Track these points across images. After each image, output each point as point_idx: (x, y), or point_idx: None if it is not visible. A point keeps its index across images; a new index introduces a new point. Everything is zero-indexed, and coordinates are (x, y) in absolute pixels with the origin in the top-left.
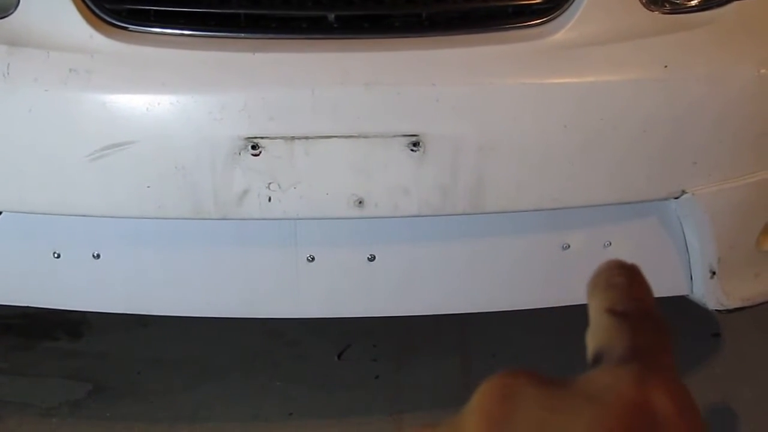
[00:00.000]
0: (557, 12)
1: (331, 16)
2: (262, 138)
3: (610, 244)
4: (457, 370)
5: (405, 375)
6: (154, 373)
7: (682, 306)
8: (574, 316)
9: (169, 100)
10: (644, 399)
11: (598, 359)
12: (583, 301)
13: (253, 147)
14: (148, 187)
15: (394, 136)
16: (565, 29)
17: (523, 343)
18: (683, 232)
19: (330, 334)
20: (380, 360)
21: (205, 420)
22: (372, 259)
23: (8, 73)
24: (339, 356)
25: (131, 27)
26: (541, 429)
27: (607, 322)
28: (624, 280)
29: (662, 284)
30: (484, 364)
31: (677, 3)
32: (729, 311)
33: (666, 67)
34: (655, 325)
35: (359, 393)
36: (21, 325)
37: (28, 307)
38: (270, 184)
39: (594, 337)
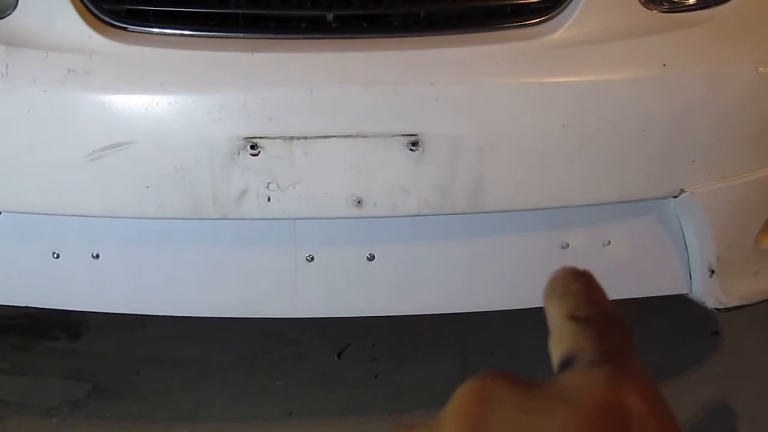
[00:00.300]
0: (555, 11)
1: (330, 16)
2: (260, 138)
3: (609, 243)
4: (457, 369)
5: (404, 374)
6: (153, 373)
7: (681, 304)
8: None
9: (167, 100)
10: (617, 400)
11: (566, 365)
12: None
13: (252, 147)
14: (147, 187)
15: (393, 135)
16: (563, 28)
17: (521, 342)
18: (682, 231)
19: (329, 333)
20: (380, 359)
21: (204, 419)
22: (371, 258)
23: (7, 74)
24: (338, 356)
25: (130, 27)
26: (518, 431)
27: (571, 328)
28: (581, 286)
29: (662, 283)
30: (483, 363)
31: (675, 1)
32: (728, 309)
33: (665, 65)
34: (617, 328)
35: (359, 392)
36: (21, 325)
37: (28, 307)
38: (269, 184)
39: (559, 344)
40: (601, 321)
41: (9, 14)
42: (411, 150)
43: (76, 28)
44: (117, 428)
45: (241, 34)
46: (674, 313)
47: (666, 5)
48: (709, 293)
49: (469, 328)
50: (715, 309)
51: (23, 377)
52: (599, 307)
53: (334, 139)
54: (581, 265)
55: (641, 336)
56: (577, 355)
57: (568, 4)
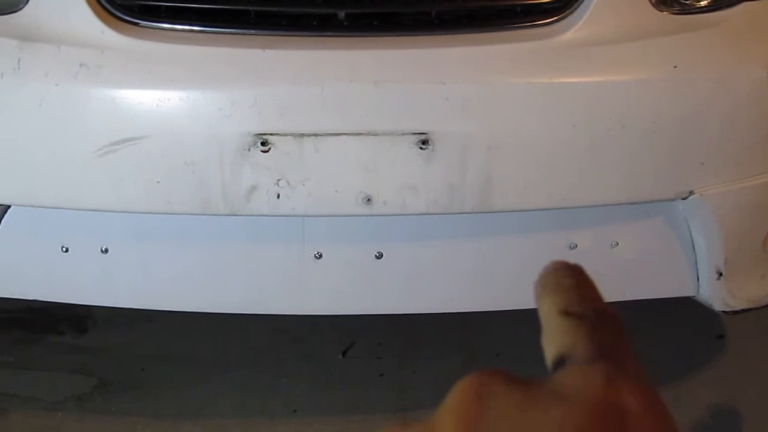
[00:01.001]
0: (567, 11)
1: (341, 14)
2: (271, 134)
3: (617, 244)
4: (461, 368)
5: (409, 373)
6: (159, 369)
7: (687, 307)
8: None
9: (179, 95)
10: (614, 398)
11: (560, 363)
12: None
13: (263, 143)
14: (157, 182)
15: (403, 134)
16: (574, 29)
17: (526, 342)
18: (690, 233)
19: (335, 331)
20: (385, 358)
21: (209, 416)
22: (379, 256)
23: (19, 68)
24: (344, 354)
25: (142, 23)
26: (515, 428)
27: (565, 324)
28: (573, 281)
29: (669, 285)
30: (487, 363)
31: (686, 3)
32: (735, 312)
33: (675, 67)
34: (611, 324)
35: (364, 390)
36: (26, 319)
37: (33, 300)
38: (279, 180)
39: (552, 341)
40: (595, 317)
41: (21, 8)
42: (421, 148)
43: (88, 22)
44: (122, 423)
45: (253, 31)
46: (679, 315)
47: (677, 7)
48: (716, 296)
49: (475, 327)
50: (722, 312)
51: (28, 371)
52: (592, 302)
53: (345, 136)
54: (589, 266)
55: (646, 337)
56: (571, 353)
57: (579, 4)
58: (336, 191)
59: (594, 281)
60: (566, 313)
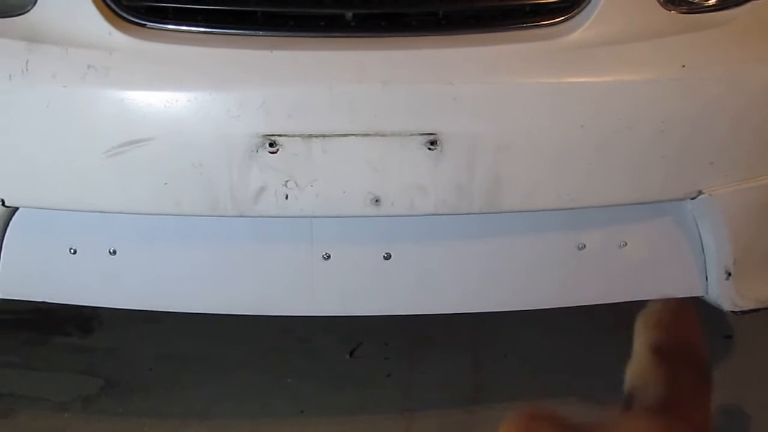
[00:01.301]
0: (574, 11)
1: (349, 15)
2: (279, 135)
3: (626, 244)
4: (469, 369)
5: (416, 373)
6: (165, 369)
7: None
8: (585, 318)
9: (186, 97)
10: None
11: (630, 398)
12: (597, 302)
13: (271, 144)
14: (165, 183)
15: (412, 134)
16: (582, 28)
17: (534, 343)
18: (699, 233)
19: (342, 331)
20: (392, 358)
21: (215, 416)
22: (388, 257)
23: (27, 69)
24: (351, 354)
25: (149, 24)
26: None
27: (649, 360)
28: (673, 320)
29: (677, 285)
30: (495, 364)
31: (694, 2)
32: (743, 312)
33: (683, 66)
34: (694, 372)
35: (371, 391)
36: (33, 320)
37: (41, 301)
38: (287, 181)
39: (632, 373)
40: (680, 361)
41: (29, 10)
42: (429, 149)
43: (95, 24)
44: (129, 423)
45: (260, 32)
46: None
47: (685, 6)
48: (724, 296)
49: (482, 328)
50: (731, 312)
51: (35, 372)
52: (685, 344)
53: (353, 137)
54: (597, 266)
55: None
56: (642, 392)
57: (587, 4)
58: (344, 192)
59: (700, 322)
60: (655, 350)
